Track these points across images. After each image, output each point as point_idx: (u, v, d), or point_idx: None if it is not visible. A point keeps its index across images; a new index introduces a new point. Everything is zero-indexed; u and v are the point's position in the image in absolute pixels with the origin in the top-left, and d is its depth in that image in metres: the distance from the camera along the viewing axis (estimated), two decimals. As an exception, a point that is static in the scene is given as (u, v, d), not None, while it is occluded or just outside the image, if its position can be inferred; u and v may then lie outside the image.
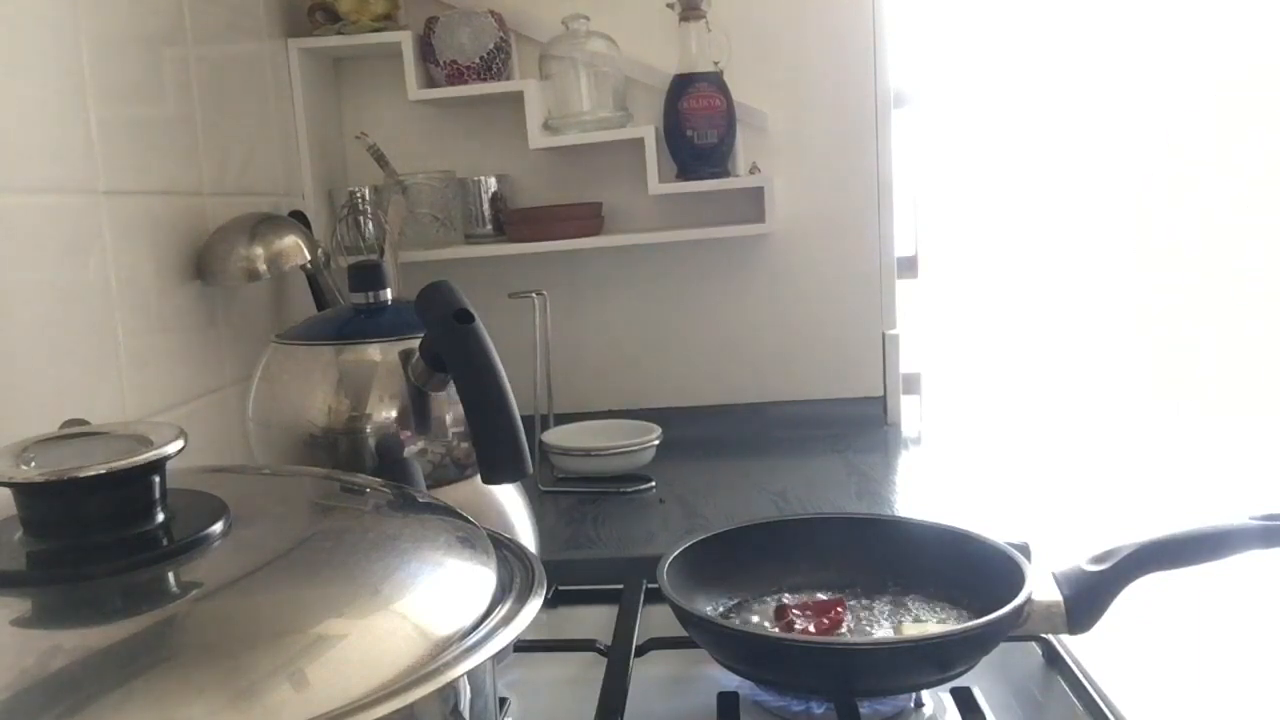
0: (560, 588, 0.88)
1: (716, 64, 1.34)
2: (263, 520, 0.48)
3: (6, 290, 0.77)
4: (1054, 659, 0.74)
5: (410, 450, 0.75)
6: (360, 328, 0.77)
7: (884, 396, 1.45)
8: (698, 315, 1.46)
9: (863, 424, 1.43)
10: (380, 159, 1.31)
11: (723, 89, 1.33)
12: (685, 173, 1.35)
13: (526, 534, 0.81)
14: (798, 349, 1.45)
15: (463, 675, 0.39)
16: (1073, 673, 0.70)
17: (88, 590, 0.41)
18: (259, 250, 1.07)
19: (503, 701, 0.72)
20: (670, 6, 1.32)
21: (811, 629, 0.71)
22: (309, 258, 1.11)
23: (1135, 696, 0.67)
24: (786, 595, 0.78)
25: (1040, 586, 0.69)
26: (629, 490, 1.17)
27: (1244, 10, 1.48)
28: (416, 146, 1.44)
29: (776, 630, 0.72)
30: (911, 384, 1.48)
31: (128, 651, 0.37)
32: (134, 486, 0.43)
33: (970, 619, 0.70)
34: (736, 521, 0.82)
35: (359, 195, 1.36)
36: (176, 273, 1.01)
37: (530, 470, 0.66)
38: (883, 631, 0.73)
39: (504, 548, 0.51)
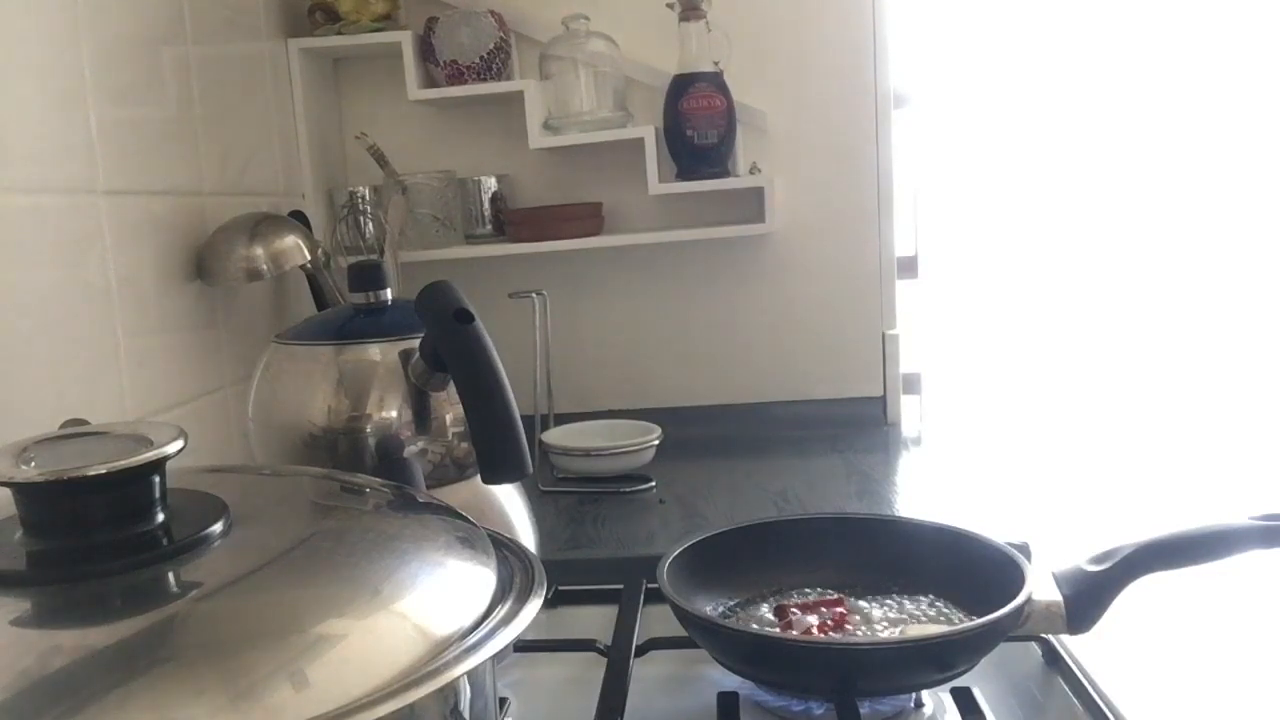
0: (560, 588, 0.88)
1: (716, 64, 1.34)
2: (263, 520, 0.48)
3: (6, 290, 0.77)
4: (1054, 659, 0.74)
5: (410, 450, 0.75)
6: (360, 328, 0.77)
7: (884, 396, 1.45)
8: (698, 315, 1.46)
9: (863, 424, 1.43)
10: (380, 159, 1.31)
11: (723, 89, 1.33)
12: (685, 173, 1.35)
13: (526, 534, 0.81)
14: (798, 349, 1.45)
15: (463, 675, 0.39)
16: (1073, 673, 0.70)
17: (88, 590, 0.40)
18: (259, 250, 1.07)
19: (503, 701, 0.72)
20: (670, 6, 1.32)
21: (812, 629, 0.71)
22: (309, 258, 1.11)
23: (1135, 696, 0.67)
24: (786, 595, 0.78)
25: (1040, 586, 0.69)
26: (629, 490, 1.17)
27: (1245, 10, 1.48)
28: (416, 146, 1.44)
29: (776, 630, 0.72)
30: (911, 384, 1.48)
31: (128, 651, 0.37)
32: (134, 486, 0.43)
33: (970, 619, 0.70)
34: (736, 521, 0.82)
35: (359, 195, 1.36)
36: (176, 273, 1.01)
37: (530, 470, 0.66)
38: (883, 631, 0.73)
39: (504, 548, 0.51)
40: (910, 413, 1.47)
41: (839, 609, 0.74)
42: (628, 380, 1.48)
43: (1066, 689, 0.70)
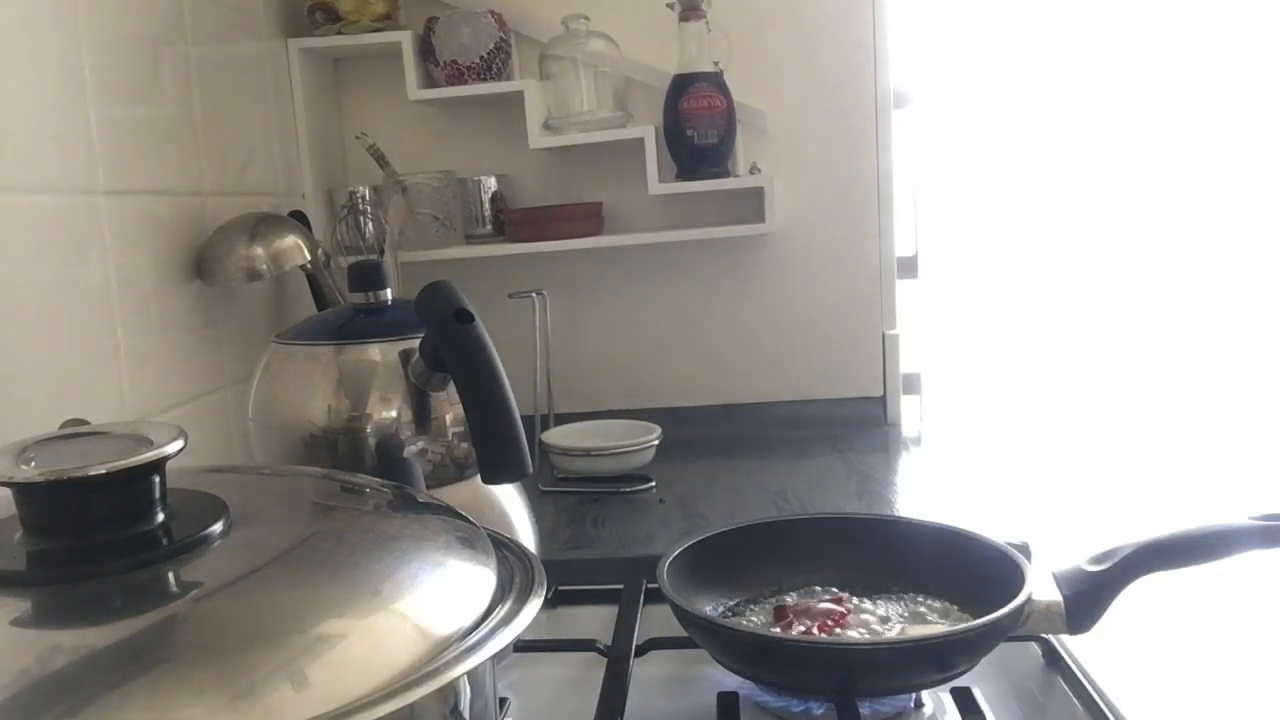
0: (560, 588, 0.88)
1: (716, 64, 1.34)
2: (263, 520, 0.48)
3: (6, 290, 0.77)
4: (1054, 659, 0.74)
5: (410, 450, 0.75)
6: (360, 328, 0.77)
7: (884, 396, 1.45)
8: (698, 315, 1.46)
9: (863, 424, 1.43)
10: (380, 159, 1.31)
11: (723, 89, 1.33)
12: (685, 173, 1.35)
13: (526, 534, 0.81)
14: (798, 349, 1.45)
15: (463, 675, 0.39)
16: (1073, 673, 0.70)
17: (88, 590, 0.40)
18: (259, 250, 1.07)
19: (503, 701, 0.72)
20: (670, 6, 1.32)
21: (813, 629, 0.71)
22: (309, 258, 1.11)
23: (1135, 696, 0.67)
24: (786, 595, 0.78)
25: (1040, 586, 0.69)
26: (629, 490, 1.17)
27: (1245, 10, 1.48)
28: (416, 146, 1.44)
29: (776, 630, 0.72)
30: (911, 384, 1.48)
31: (128, 651, 0.37)
32: (134, 486, 0.43)
33: (970, 619, 0.70)
34: (736, 521, 0.82)
35: (359, 195, 1.36)
36: (176, 273, 1.01)
37: (530, 470, 0.66)
38: (883, 631, 0.73)
39: (504, 548, 0.51)
40: (910, 413, 1.47)
41: (839, 609, 0.74)
42: (628, 380, 1.47)
43: (1066, 689, 0.70)
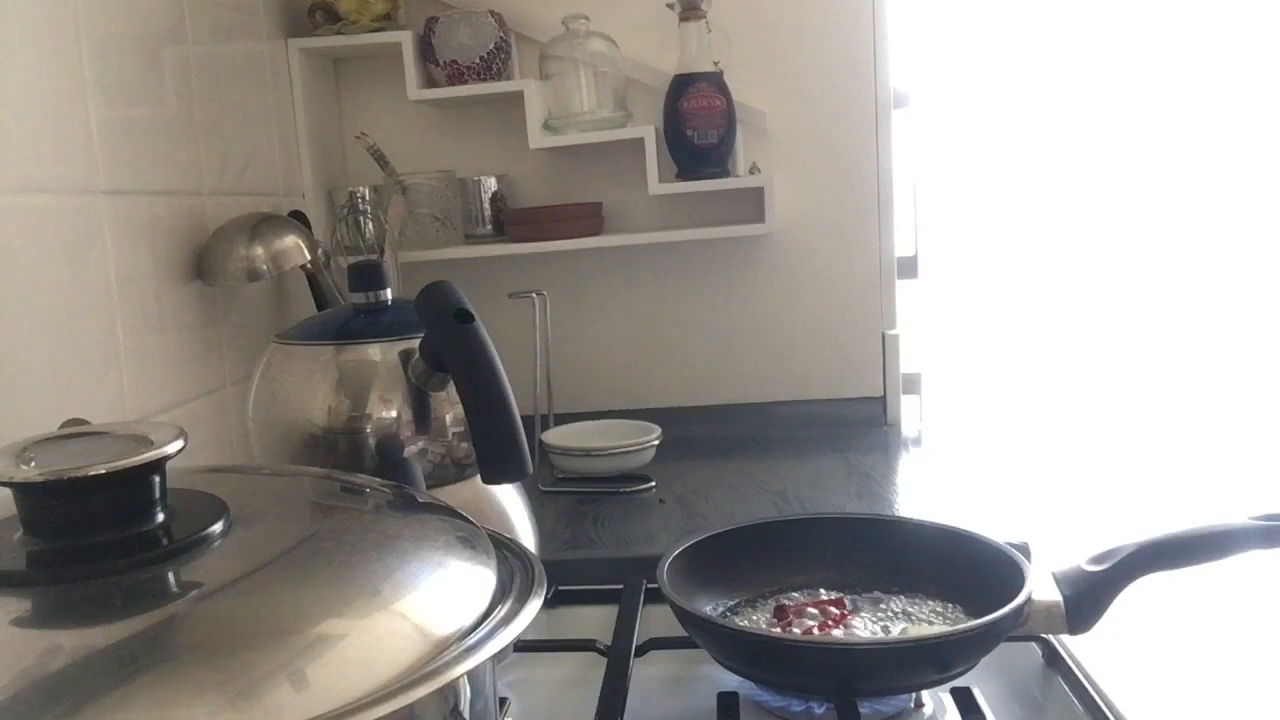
0: (560, 588, 0.88)
1: (716, 64, 1.34)
2: (263, 520, 0.48)
3: (6, 290, 0.77)
4: (1054, 659, 0.74)
5: (410, 450, 0.75)
6: (360, 328, 0.77)
7: (884, 396, 1.45)
8: (698, 315, 1.46)
9: (863, 424, 1.43)
10: (380, 159, 1.31)
11: (723, 89, 1.33)
12: (685, 173, 1.35)
13: (526, 534, 0.81)
14: (798, 349, 1.45)
15: (463, 675, 0.39)
16: (1073, 673, 0.70)
17: (88, 590, 0.40)
18: (259, 250, 1.07)
19: (503, 701, 0.72)
20: (670, 6, 1.32)
21: (812, 629, 0.71)
22: (309, 258, 1.11)
23: (1135, 696, 0.67)
24: (786, 595, 0.78)
25: (1040, 586, 0.69)
26: (629, 490, 1.17)
27: (1245, 10, 1.48)
28: (416, 146, 1.44)
29: (777, 630, 0.72)
30: (911, 384, 1.48)
31: (128, 651, 0.37)
32: (134, 486, 0.43)
33: (970, 619, 0.70)
34: (736, 521, 0.82)
35: (359, 195, 1.36)
36: (176, 273, 1.01)
37: (530, 470, 0.66)
38: (883, 632, 0.73)
39: (504, 548, 0.51)
40: (910, 413, 1.47)
41: (839, 609, 0.74)
42: (628, 380, 1.47)
43: (1066, 689, 0.70)
